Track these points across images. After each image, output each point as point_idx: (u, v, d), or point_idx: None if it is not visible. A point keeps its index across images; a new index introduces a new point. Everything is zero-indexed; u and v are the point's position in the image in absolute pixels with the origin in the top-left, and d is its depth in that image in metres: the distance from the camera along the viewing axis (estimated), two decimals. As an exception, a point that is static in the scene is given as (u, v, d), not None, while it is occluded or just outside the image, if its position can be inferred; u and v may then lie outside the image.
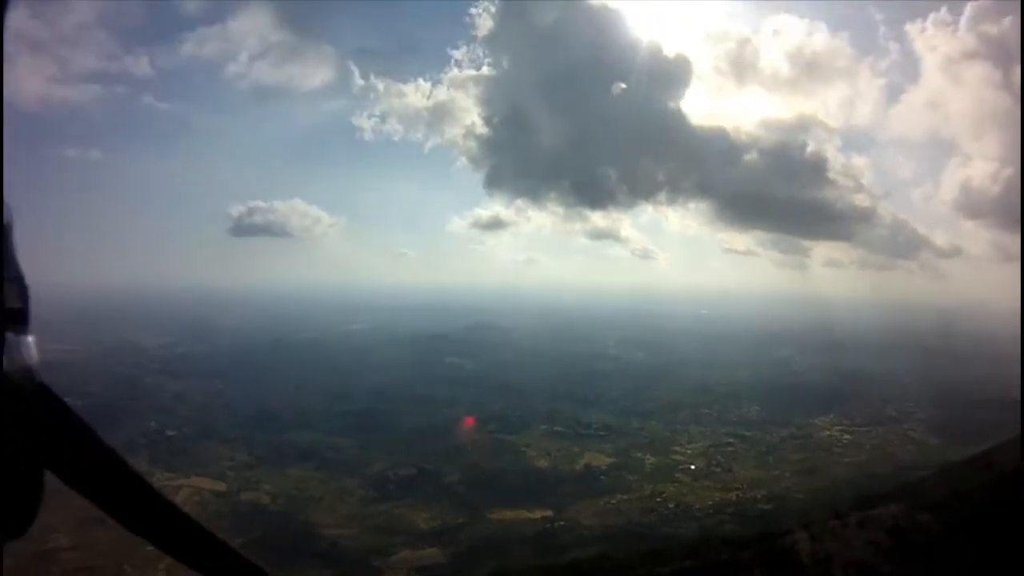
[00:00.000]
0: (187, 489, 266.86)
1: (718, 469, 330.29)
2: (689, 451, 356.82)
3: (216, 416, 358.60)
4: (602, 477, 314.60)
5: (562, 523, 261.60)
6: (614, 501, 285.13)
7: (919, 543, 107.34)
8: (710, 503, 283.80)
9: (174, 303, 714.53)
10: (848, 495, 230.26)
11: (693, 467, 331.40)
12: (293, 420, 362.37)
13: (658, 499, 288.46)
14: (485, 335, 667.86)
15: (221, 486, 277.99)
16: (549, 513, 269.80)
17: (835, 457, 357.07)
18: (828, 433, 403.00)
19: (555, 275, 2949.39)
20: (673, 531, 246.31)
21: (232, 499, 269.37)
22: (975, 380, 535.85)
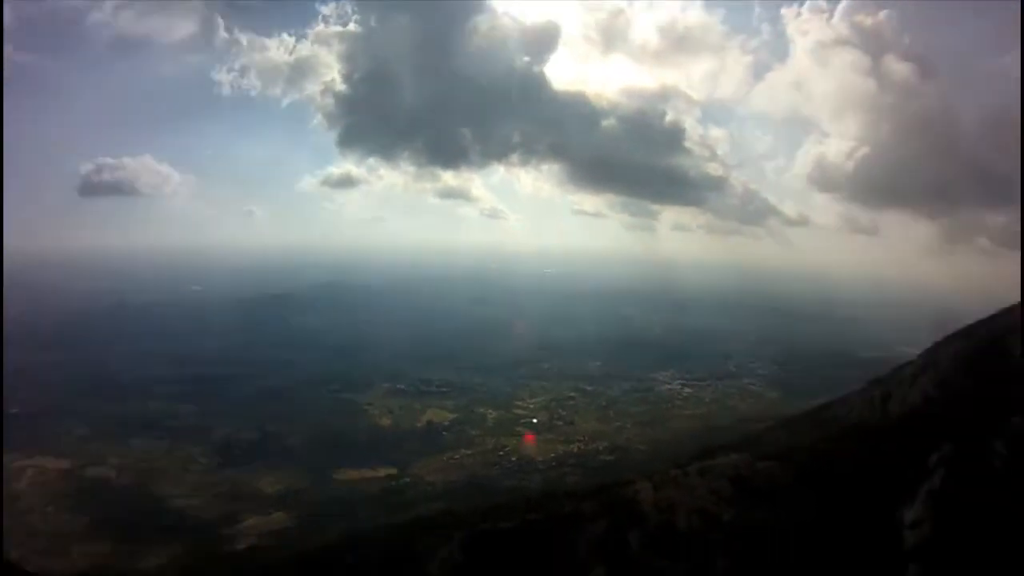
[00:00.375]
0: (32, 470, 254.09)
1: (560, 423, 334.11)
2: (531, 405, 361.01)
3: (59, 389, 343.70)
4: (444, 433, 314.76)
5: (407, 480, 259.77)
6: (457, 456, 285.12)
7: (761, 490, 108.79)
8: (552, 455, 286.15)
9: (18, 270, 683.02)
10: (689, 446, 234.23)
11: (535, 421, 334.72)
12: (136, 389, 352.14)
13: (500, 453, 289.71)
14: (331, 294, 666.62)
15: (66, 463, 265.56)
16: (393, 471, 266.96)
17: (676, 410, 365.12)
18: (668, 387, 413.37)
19: (404, 234, 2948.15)
20: (516, 484, 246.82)
21: (78, 476, 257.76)
22: (815, 340, 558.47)
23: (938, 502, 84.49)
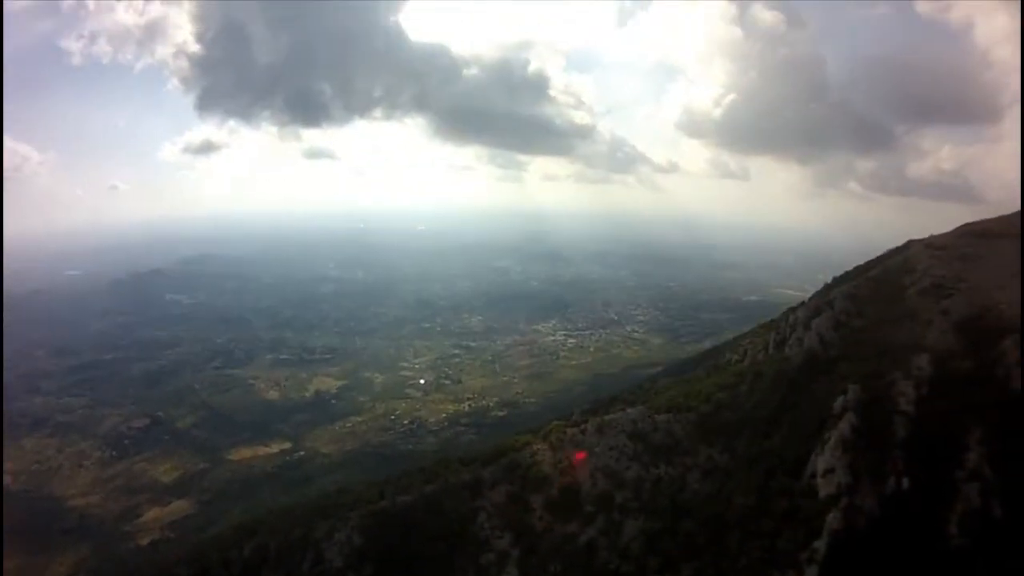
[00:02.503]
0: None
1: (447, 381, 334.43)
2: (417, 366, 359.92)
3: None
4: (333, 402, 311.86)
5: (301, 454, 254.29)
6: (349, 424, 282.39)
7: (662, 445, 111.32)
8: (444, 416, 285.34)
9: None
10: (580, 397, 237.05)
11: (423, 381, 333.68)
12: (21, 385, 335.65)
13: (392, 417, 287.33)
14: (203, 267, 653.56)
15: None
16: (287, 445, 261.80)
17: (562, 361, 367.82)
18: (552, 338, 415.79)
19: (271, 198, 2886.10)
20: (412, 448, 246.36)
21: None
22: (693, 285, 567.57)
23: (849, 448, 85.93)
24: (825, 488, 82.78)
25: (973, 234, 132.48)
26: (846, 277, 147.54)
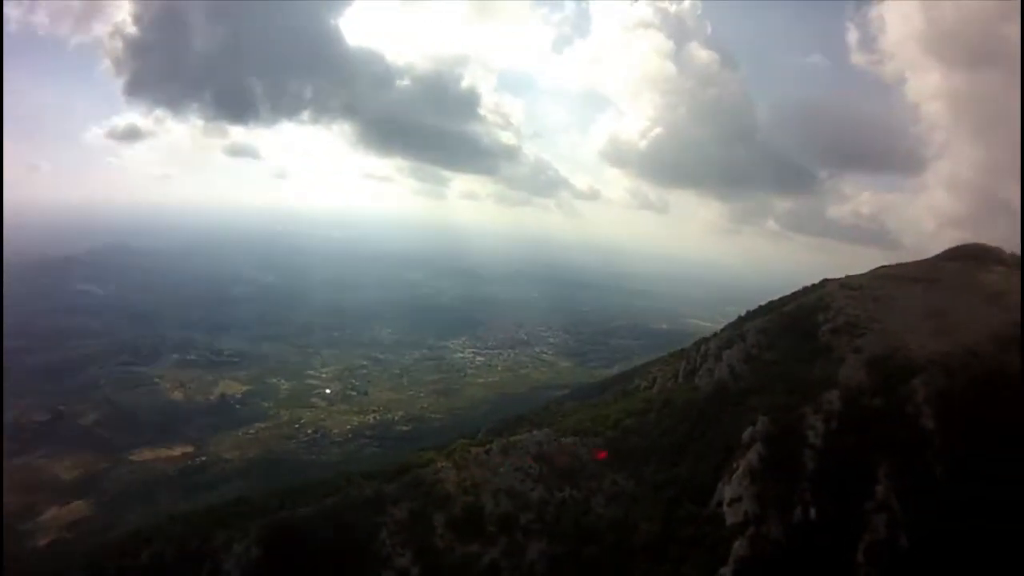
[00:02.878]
0: None
1: (354, 393, 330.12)
2: (324, 375, 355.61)
3: None
4: (238, 407, 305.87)
5: (204, 458, 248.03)
6: (252, 431, 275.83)
7: (568, 468, 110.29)
8: (348, 427, 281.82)
9: None
10: (486, 416, 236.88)
11: (329, 391, 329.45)
12: None
13: (296, 426, 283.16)
14: (118, 257, 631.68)
15: None
16: (190, 449, 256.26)
17: (469, 378, 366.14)
18: (461, 355, 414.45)
19: (192, 193, 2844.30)
20: (315, 458, 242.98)
21: None
22: (605, 310, 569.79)
23: (757, 478, 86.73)
24: (732, 516, 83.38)
25: (887, 277, 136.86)
26: (760, 311, 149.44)
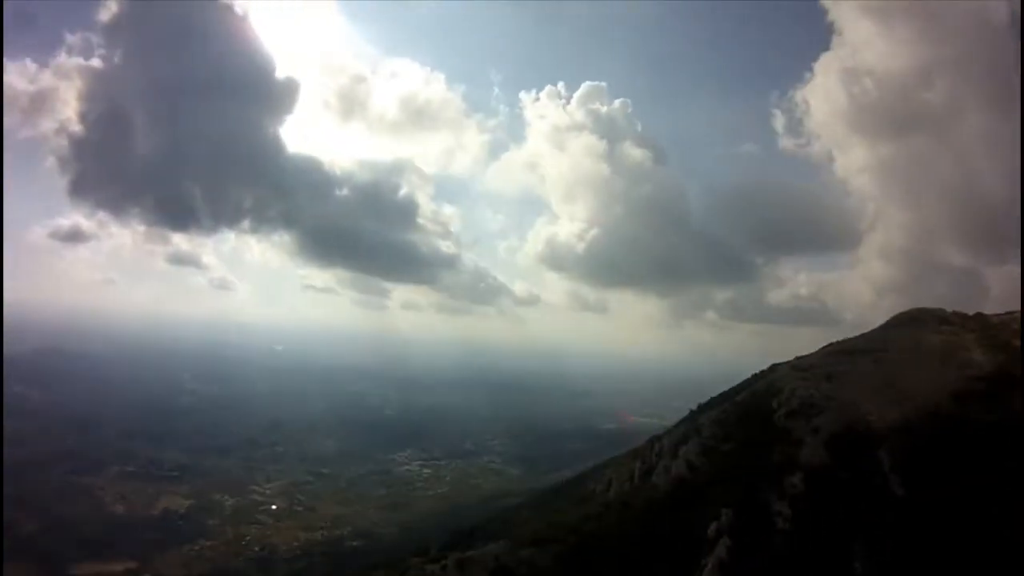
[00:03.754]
0: None
1: (300, 508, 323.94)
2: (268, 491, 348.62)
3: None
4: (181, 522, 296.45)
5: None
6: (197, 547, 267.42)
7: None
8: (296, 544, 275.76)
9: None
10: (438, 530, 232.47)
11: (275, 507, 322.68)
12: None
13: (243, 543, 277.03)
14: (57, 361, 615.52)
15: None
16: (133, 565, 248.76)
17: (418, 491, 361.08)
18: (407, 468, 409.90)
19: (134, 300, 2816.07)
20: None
21: None
22: (551, 415, 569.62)
23: (728, 573, 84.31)
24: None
25: (837, 353, 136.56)
26: (712, 403, 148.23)
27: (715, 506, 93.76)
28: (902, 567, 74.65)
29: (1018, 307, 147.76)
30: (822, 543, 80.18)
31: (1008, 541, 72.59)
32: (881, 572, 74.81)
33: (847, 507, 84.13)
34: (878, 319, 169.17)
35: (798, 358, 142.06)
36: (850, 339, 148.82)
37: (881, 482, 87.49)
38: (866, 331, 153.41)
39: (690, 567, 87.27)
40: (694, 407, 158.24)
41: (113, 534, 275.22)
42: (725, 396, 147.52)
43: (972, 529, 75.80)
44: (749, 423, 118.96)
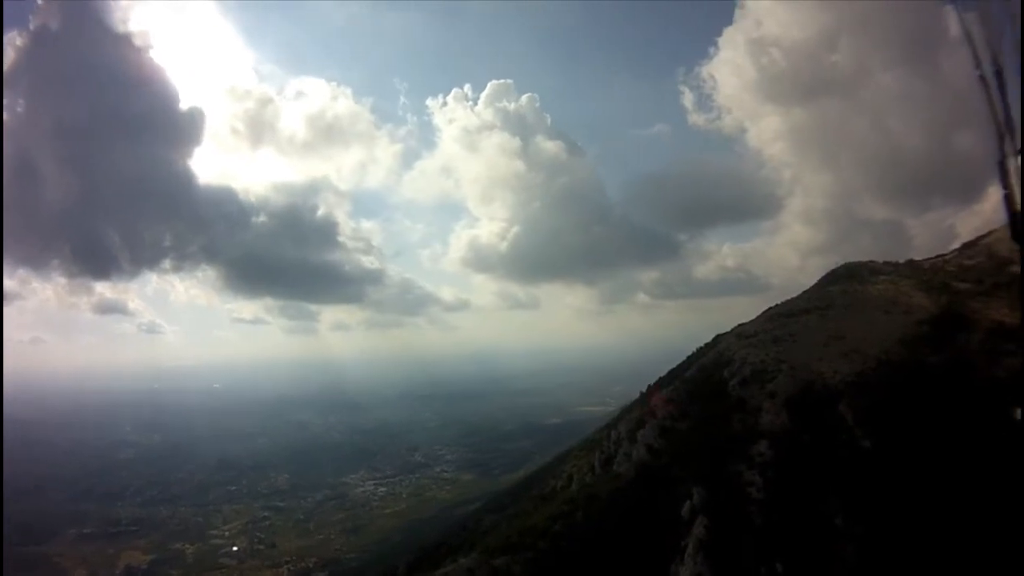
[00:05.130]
0: None
1: (262, 546, 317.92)
2: (227, 533, 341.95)
3: None
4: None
5: None
6: None
7: None
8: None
9: None
10: (401, 546, 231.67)
11: (236, 548, 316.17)
12: None
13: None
14: None
15: None
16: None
17: (376, 511, 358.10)
18: (362, 489, 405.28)
19: (63, 356, 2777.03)
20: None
21: None
22: (494, 416, 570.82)
23: (710, 551, 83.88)
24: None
25: (779, 316, 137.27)
26: (661, 383, 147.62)
27: (684, 486, 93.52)
28: (881, 517, 75.47)
29: (947, 249, 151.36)
30: (799, 507, 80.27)
31: (974, 478, 73.63)
32: (862, 525, 75.20)
33: (817, 467, 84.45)
34: (807, 281, 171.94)
35: (740, 326, 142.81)
36: (790, 300, 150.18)
37: (847, 437, 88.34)
38: (800, 292, 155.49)
39: (670, 552, 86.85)
40: (638, 390, 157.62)
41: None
42: (674, 374, 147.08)
43: (940, 472, 76.82)
44: (703, 398, 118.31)
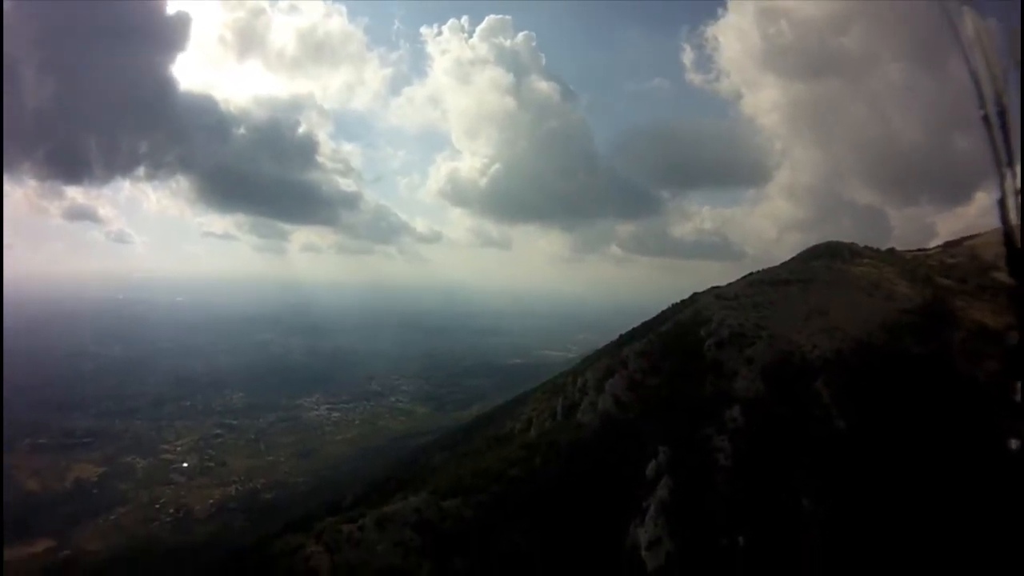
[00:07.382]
0: None
1: (212, 464, 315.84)
2: (179, 448, 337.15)
3: None
4: (95, 491, 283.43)
5: (67, 553, 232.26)
6: (113, 517, 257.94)
7: (455, 534, 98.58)
8: (211, 502, 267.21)
9: None
10: (350, 474, 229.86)
11: (186, 465, 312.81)
12: None
13: (157, 506, 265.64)
14: None
15: None
16: (52, 543, 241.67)
17: (327, 436, 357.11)
18: (316, 413, 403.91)
19: (32, 262, 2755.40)
20: (180, 541, 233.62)
21: None
22: (456, 352, 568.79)
23: (672, 514, 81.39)
24: (653, 560, 77.75)
25: (761, 283, 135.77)
26: (634, 335, 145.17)
27: (652, 443, 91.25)
28: (849, 502, 74.72)
29: (925, 245, 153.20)
30: (767, 479, 78.50)
31: (946, 473, 73.45)
32: (828, 508, 73.70)
33: (790, 441, 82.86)
34: (782, 255, 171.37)
35: (721, 287, 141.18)
36: (771, 268, 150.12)
37: (823, 414, 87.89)
38: (774, 265, 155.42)
39: (630, 510, 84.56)
40: (601, 340, 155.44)
41: (30, 512, 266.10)
42: (648, 326, 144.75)
43: (913, 464, 76.49)
44: (677, 354, 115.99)
